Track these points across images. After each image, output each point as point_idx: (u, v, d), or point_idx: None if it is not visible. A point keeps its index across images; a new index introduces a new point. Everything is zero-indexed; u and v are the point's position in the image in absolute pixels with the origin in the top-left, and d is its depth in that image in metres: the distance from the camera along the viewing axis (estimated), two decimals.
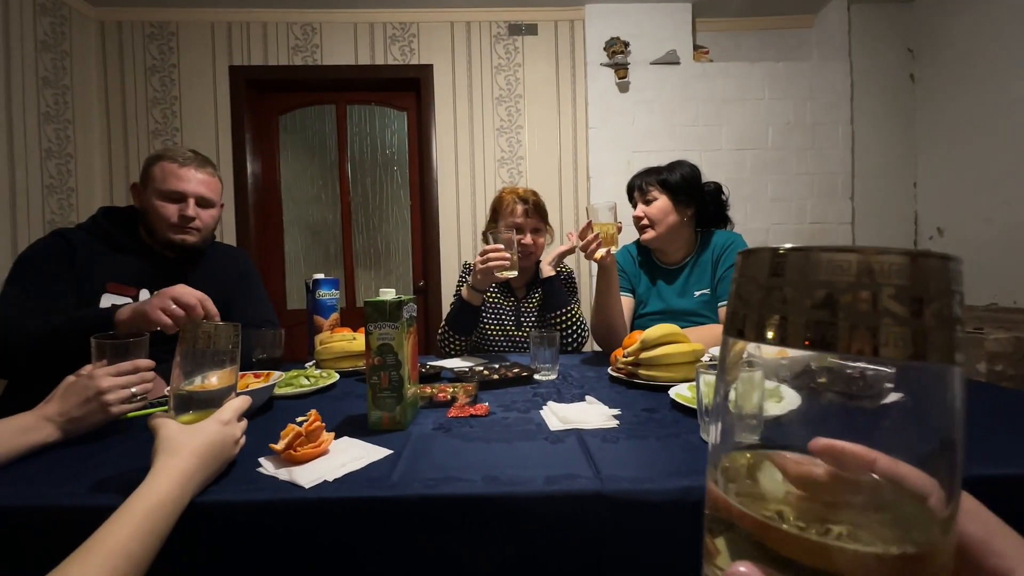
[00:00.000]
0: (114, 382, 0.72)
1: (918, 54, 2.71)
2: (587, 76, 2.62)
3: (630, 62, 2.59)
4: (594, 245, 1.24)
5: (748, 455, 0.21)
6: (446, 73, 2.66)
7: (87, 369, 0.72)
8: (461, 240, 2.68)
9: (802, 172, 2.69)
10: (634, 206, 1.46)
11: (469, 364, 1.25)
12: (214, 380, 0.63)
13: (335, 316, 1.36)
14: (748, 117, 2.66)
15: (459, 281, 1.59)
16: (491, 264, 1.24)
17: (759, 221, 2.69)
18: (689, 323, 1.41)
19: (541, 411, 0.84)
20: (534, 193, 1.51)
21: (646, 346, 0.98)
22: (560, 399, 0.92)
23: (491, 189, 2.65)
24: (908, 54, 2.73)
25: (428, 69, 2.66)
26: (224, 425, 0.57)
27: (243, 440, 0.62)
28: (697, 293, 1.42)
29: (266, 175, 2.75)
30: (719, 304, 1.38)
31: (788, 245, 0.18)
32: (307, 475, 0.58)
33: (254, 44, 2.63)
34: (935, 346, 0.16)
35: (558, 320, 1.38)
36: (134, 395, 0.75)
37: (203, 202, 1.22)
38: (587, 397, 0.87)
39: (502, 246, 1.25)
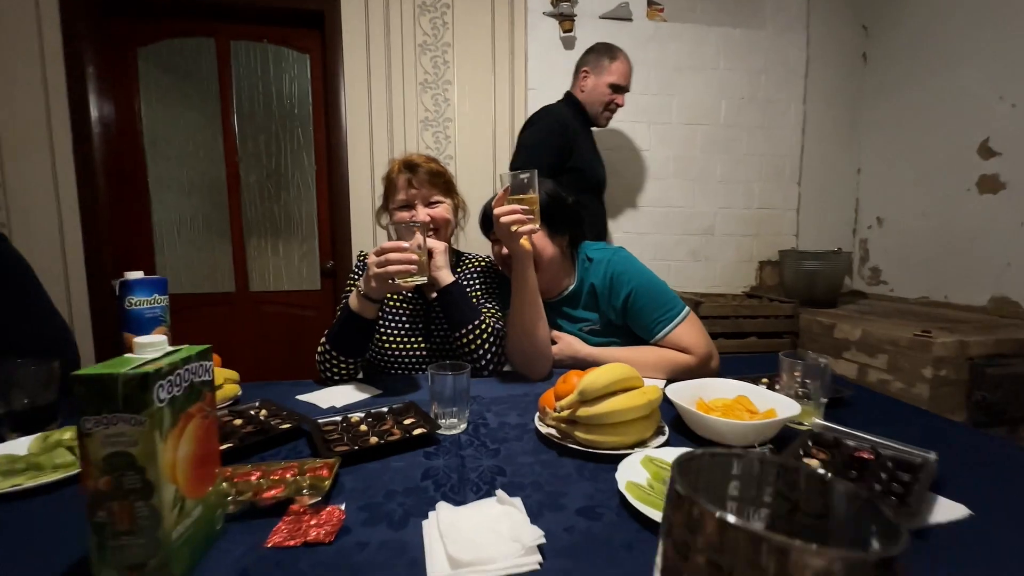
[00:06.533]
0: None
1: (872, 32, 2.58)
2: (527, 26, 2.25)
3: (577, 13, 2.24)
4: (520, 217, 0.95)
5: None
6: (357, 8, 2.17)
7: None
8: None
9: (752, 152, 2.51)
10: (495, 241, 1.17)
11: (346, 403, 0.92)
12: None
13: (160, 332, 0.97)
14: (701, 88, 2.43)
15: (350, 277, 1.23)
16: (390, 268, 0.90)
17: (706, 204, 2.50)
18: None
19: (424, 525, 0.54)
20: (427, 158, 1.17)
21: (586, 398, 0.70)
22: (460, 489, 0.62)
23: None
24: (862, 31, 2.59)
25: (334, 2, 2.16)
26: None
27: None
28: (586, 328, 1.17)
29: (122, 122, 2.16)
30: (654, 339, 1.10)
31: None
32: None
33: None
34: None
35: (466, 340, 1.07)
36: None
37: None
38: (498, 492, 0.58)
39: (406, 244, 0.91)
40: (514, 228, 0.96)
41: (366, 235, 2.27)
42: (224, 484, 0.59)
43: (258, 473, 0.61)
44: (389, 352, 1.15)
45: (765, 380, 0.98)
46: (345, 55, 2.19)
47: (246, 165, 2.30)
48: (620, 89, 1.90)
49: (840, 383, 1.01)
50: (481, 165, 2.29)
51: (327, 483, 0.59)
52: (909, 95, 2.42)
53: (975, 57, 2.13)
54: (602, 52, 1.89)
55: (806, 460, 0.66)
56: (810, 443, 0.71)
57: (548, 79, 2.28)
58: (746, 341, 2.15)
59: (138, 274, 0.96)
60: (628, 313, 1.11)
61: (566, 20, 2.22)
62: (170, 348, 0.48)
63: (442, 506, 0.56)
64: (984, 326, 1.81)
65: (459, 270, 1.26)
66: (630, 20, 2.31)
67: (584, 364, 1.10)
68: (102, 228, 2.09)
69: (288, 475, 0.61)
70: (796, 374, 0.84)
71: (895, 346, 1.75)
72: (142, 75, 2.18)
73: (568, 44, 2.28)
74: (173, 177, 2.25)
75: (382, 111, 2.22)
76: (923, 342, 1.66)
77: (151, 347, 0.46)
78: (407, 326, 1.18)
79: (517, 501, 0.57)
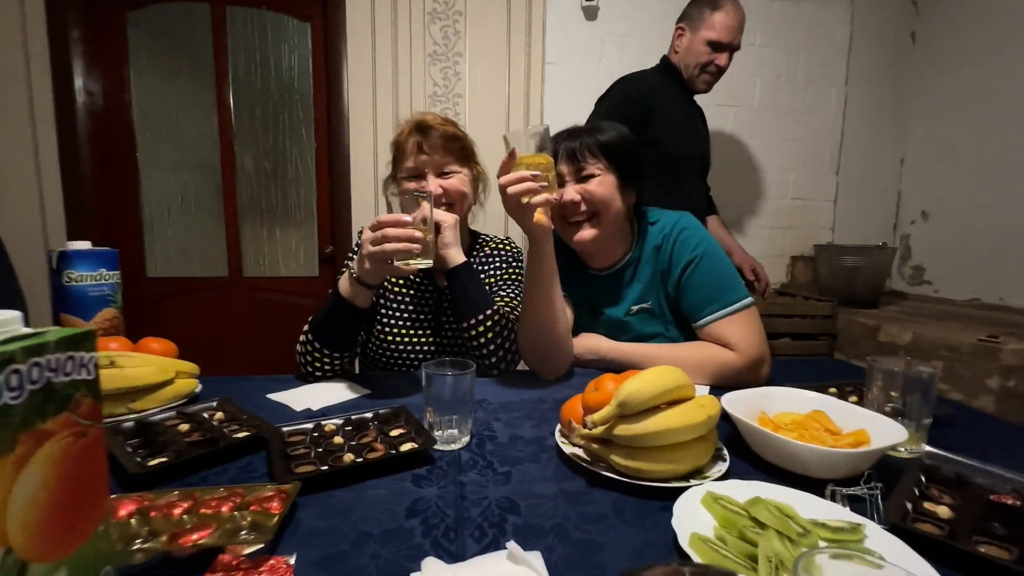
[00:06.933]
0: None
1: (922, 8, 2.36)
2: None
3: None
4: (531, 186, 0.77)
5: None
6: None
7: None
8: (379, 194, 2.11)
9: (788, 138, 2.31)
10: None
11: (324, 405, 0.76)
12: None
13: (108, 314, 0.81)
14: (733, 66, 2.18)
15: (349, 256, 1.07)
16: (387, 247, 0.73)
17: (736, 193, 2.31)
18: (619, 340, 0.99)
19: None
20: (443, 120, 0.99)
21: (628, 412, 0.53)
22: (457, 534, 0.45)
23: None
24: (912, 8, 2.37)
25: None
26: None
27: None
28: (635, 308, 0.99)
29: (109, 91, 2.01)
30: (698, 323, 0.93)
31: None
32: None
33: None
34: None
35: (474, 332, 0.90)
36: None
37: None
38: (510, 545, 0.41)
39: (408, 217, 0.74)
40: (524, 200, 0.79)
41: (368, 219, 2.10)
42: (133, 521, 0.43)
43: (185, 505, 0.45)
44: (392, 347, 0.99)
45: (833, 390, 0.81)
46: (348, 24, 2.02)
47: (241, 141, 2.14)
48: (721, 47, 1.59)
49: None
50: (492, 145, 2.09)
51: (275, 521, 0.43)
52: (962, 77, 2.20)
53: None
54: (704, 2, 1.60)
55: (927, 505, 0.49)
56: (923, 479, 0.53)
57: (567, 53, 2.10)
58: (778, 342, 1.96)
59: (83, 244, 0.81)
60: (682, 285, 0.94)
61: None
62: (23, 330, 0.32)
63: (430, 564, 0.40)
64: None
65: (475, 253, 1.09)
66: None
67: (609, 364, 0.93)
68: (86, 205, 1.95)
69: (224, 509, 0.45)
70: (885, 384, 0.66)
71: (954, 352, 1.55)
72: (132, 42, 2.03)
73: (590, 14, 2.09)
74: (164, 152, 2.10)
75: (387, 85, 2.06)
76: (989, 348, 1.46)
77: None
78: (413, 316, 1.02)
79: (536, 558, 0.41)
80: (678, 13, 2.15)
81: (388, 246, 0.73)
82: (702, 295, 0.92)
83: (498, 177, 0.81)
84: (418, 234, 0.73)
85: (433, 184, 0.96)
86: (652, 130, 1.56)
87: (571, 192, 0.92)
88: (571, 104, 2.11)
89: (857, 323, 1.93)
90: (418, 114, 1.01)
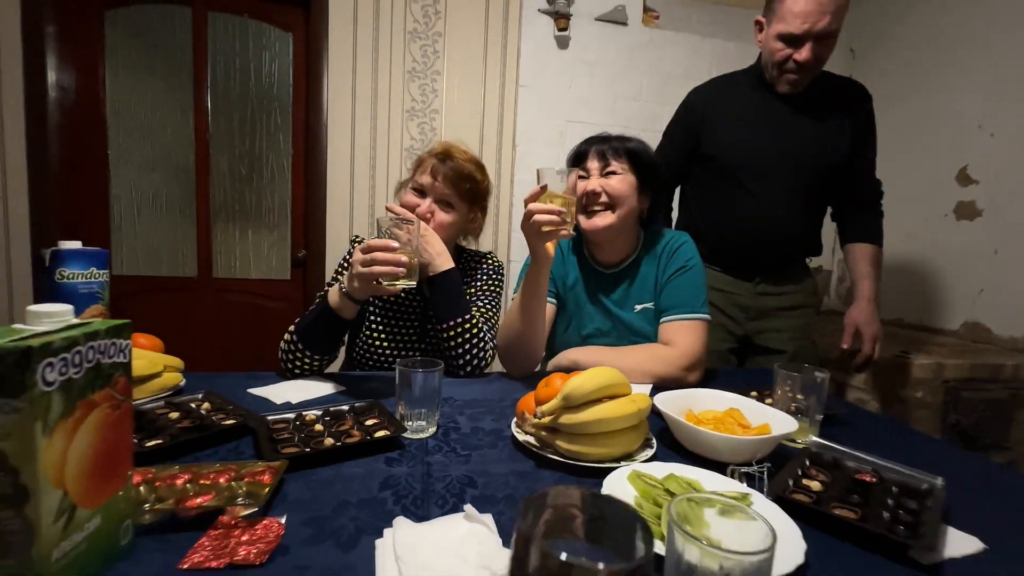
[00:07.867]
0: None
1: (859, 56, 2.62)
2: (522, 21, 2.19)
3: (573, 12, 2.20)
4: (557, 221, 0.87)
5: None
6: None
7: None
8: (355, 202, 2.17)
9: None
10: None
11: (303, 399, 0.83)
12: None
13: (96, 310, 0.86)
14: None
15: (340, 264, 1.13)
16: (375, 269, 0.80)
17: None
18: (629, 342, 1.10)
19: (378, 544, 0.46)
20: (470, 158, 1.08)
21: (571, 404, 0.63)
22: (423, 502, 0.54)
23: (395, 143, 2.16)
24: (850, 54, 2.62)
25: None
26: None
27: None
28: (639, 307, 1.11)
29: (83, 88, 2.01)
30: (662, 318, 1.08)
31: None
32: None
33: None
34: None
35: (450, 334, 0.99)
36: None
37: None
38: (466, 508, 0.50)
39: (395, 243, 0.82)
40: (546, 229, 0.88)
41: (342, 226, 2.17)
42: (142, 488, 0.50)
43: (186, 476, 0.52)
44: (378, 351, 1.07)
45: (755, 393, 0.94)
46: (331, 36, 2.09)
47: (217, 143, 2.17)
48: (794, 40, 1.25)
49: (832, 400, 0.97)
50: None
51: (267, 491, 0.51)
52: (892, 120, 2.45)
53: (958, 86, 2.17)
54: None
55: (805, 481, 0.61)
56: (807, 462, 0.66)
57: (540, 77, 2.23)
58: None
59: (75, 244, 0.85)
60: (665, 286, 1.09)
61: (561, 18, 2.17)
62: (75, 320, 0.39)
63: (400, 522, 0.48)
64: (959, 350, 1.82)
65: (460, 267, 1.17)
66: (625, 24, 2.28)
67: (580, 366, 1.04)
68: (52, 199, 1.93)
69: (222, 480, 0.52)
70: (791, 388, 0.79)
71: (875, 366, 1.74)
72: (109, 41, 2.03)
73: (562, 43, 2.23)
74: (136, 150, 2.10)
75: (366, 97, 2.13)
76: (901, 363, 1.65)
77: (48, 317, 0.38)
78: (400, 324, 1.10)
79: (488, 518, 0.50)
80: (643, 46, 2.33)
81: (376, 268, 0.80)
82: (674, 299, 1.07)
83: (525, 202, 0.90)
84: (404, 259, 0.81)
85: (425, 205, 1.05)
86: (705, 146, 1.44)
87: (594, 183, 1.05)
88: (542, 124, 2.24)
89: None
90: (454, 141, 1.10)
